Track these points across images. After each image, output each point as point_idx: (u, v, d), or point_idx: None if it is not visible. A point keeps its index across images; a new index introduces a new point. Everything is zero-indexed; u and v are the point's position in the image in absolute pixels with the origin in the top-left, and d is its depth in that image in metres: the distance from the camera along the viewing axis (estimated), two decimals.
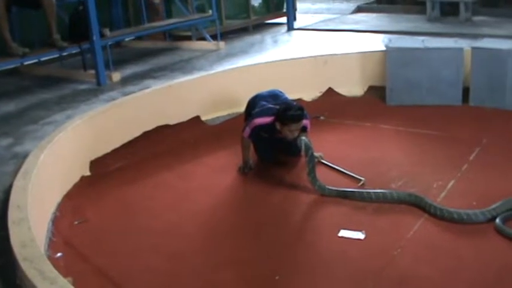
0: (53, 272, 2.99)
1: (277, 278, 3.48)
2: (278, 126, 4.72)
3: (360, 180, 4.68)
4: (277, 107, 4.80)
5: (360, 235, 3.89)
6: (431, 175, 4.77)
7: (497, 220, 3.91)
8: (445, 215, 4.03)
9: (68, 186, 4.78)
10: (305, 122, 4.80)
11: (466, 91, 6.55)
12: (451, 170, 4.84)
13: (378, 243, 3.83)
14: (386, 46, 6.87)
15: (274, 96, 5.19)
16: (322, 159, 5.07)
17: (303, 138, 4.46)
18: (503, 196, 4.22)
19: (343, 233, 3.93)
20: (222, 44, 9.96)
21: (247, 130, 4.90)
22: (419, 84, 6.61)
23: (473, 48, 6.54)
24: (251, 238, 3.99)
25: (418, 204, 4.21)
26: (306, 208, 4.45)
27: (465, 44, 6.72)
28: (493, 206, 4.04)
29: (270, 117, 4.79)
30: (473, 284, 3.36)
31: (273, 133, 4.84)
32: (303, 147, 4.42)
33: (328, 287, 3.40)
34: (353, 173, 4.80)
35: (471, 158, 5.09)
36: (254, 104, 5.19)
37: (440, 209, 4.07)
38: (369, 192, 4.41)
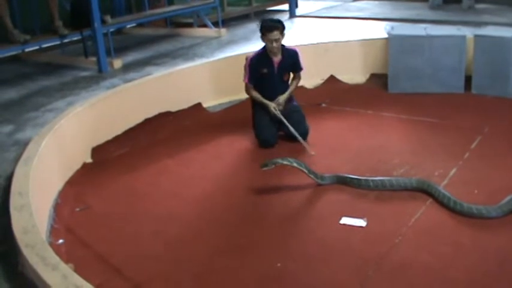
0: (55, 258, 3.00)
1: (278, 265, 3.48)
2: (262, 39, 5.28)
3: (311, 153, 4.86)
4: None
5: (361, 222, 3.89)
6: (433, 163, 4.76)
7: None
8: (458, 208, 3.98)
9: (69, 173, 4.79)
10: (294, 49, 5.43)
11: (468, 79, 6.54)
12: (453, 158, 4.83)
13: (379, 230, 3.83)
14: (388, 33, 6.85)
15: None
16: (276, 110, 5.27)
17: (279, 160, 4.48)
18: (505, 184, 4.22)
19: (345, 220, 3.93)
20: (223, 31, 9.94)
21: (244, 74, 5.39)
22: (422, 72, 6.60)
23: (476, 36, 6.52)
24: (252, 225, 3.99)
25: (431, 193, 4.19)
26: (307, 195, 4.44)
27: (468, 32, 6.68)
28: (504, 201, 3.99)
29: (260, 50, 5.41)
30: (473, 273, 3.36)
31: (268, 62, 5.32)
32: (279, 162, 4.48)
33: (329, 273, 3.40)
34: (306, 144, 5.04)
35: (473, 146, 5.08)
36: None
37: (454, 201, 4.01)
38: (383, 180, 4.39)
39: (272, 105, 5.25)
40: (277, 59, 5.32)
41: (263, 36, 5.26)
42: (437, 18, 10.40)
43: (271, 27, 5.18)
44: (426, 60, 6.57)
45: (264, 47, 5.33)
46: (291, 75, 5.53)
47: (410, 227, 3.84)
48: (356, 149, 5.17)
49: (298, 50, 5.49)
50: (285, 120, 5.14)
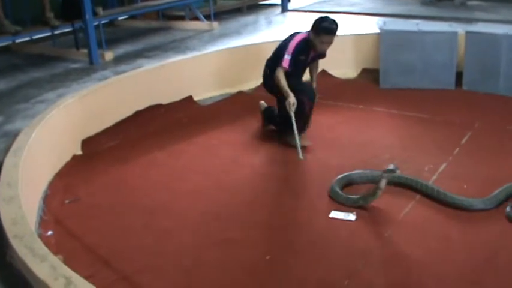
0: (43, 250, 2.99)
1: (267, 257, 3.48)
2: (311, 36, 4.97)
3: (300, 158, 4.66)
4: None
5: (351, 216, 3.90)
6: (423, 158, 4.78)
7: (508, 208, 3.90)
8: (449, 201, 4.01)
9: (59, 164, 4.77)
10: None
11: (459, 75, 6.56)
12: (443, 153, 4.85)
13: (368, 224, 3.84)
14: (380, 29, 6.86)
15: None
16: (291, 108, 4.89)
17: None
18: (494, 179, 4.24)
19: (334, 214, 3.94)
20: (215, 24, 9.92)
21: (287, 58, 4.96)
22: (413, 67, 6.62)
23: (468, 32, 6.54)
24: (241, 218, 3.98)
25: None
26: (298, 189, 4.45)
27: (459, 28, 6.70)
28: (493, 193, 4.03)
29: (305, 34, 5.08)
30: (462, 267, 3.38)
31: (308, 52, 5.07)
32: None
33: (319, 267, 3.41)
34: (300, 147, 4.71)
35: (463, 141, 5.10)
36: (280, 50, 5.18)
37: (444, 193, 4.05)
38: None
39: (291, 102, 4.86)
40: (314, 52, 5.13)
41: (317, 36, 4.95)
42: (430, 14, 10.42)
43: (332, 31, 4.96)
44: (418, 55, 6.58)
45: (308, 36, 5.03)
46: None
47: (400, 221, 3.85)
48: (347, 143, 5.18)
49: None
50: (293, 122, 4.86)
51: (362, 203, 4.02)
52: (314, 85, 5.30)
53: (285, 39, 5.19)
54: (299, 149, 4.68)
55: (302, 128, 5.07)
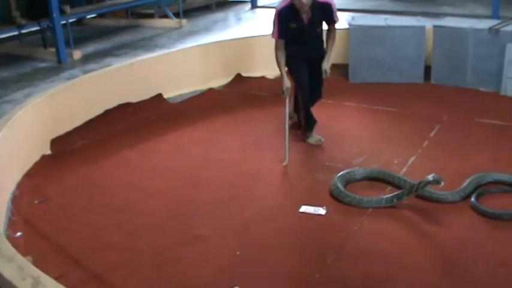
0: (11, 250, 2.95)
1: (238, 253, 3.49)
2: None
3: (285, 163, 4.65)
4: None
5: (321, 211, 3.91)
6: (393, 151, 4.82)
7: (472, 199, 3.97)
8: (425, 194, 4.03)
9: (28, 165, 4.72)
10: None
11: (427, 69, 6.62)
12: (412, 146, 4.90)
13: (338, 218, 3.86)
14: (349, 24, 6.90)
15: None
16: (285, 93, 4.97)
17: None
18: (462, 171, 4.29)
19: (305, 208, 3.95)
20: (184, 21, 9.91)
21: (273, 30, 4.89)
22: (382, 62, 6.67)
23: (435, 27, 6.61)
24: (212, 215, 3.98)
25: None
26: (267, 184, 4.46)
27: (427, 23, 6.77)
28: (462, 186, 4.09)
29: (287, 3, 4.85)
30: (432, 258, 3.42)
31: (297, 17, 4.81)
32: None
33: (290, 261, 3.42)
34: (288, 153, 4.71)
35: (431, 134, 5.16)
36: None
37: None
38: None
39: (284, 86, 4.91)
40: (306, 14, 4.82)
41: None
42: (398, 9, 10.51)
43: None
44: (387, 50, 6.63)
45: (290, 1, 4.81)
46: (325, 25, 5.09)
47: (369, 215, 3.88)
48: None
49: (332, 1, 4.97)
50: (287, 108, 4.94)
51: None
52: (325, 63, 4.99)
53: None
54: (287, 154, 4.69)
55: (305, 126, 5.10)
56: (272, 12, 5.05)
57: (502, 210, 3.84)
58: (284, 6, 4.87)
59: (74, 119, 5.47)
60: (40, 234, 3.79)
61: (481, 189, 4.12)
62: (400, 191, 4.00)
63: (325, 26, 5.06)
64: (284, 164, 4.65)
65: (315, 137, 5.08)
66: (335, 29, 5.08)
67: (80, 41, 8.55)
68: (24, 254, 3.11)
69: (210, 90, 6.56)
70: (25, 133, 4.79)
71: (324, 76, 5.00)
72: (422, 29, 6.58)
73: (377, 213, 3.90)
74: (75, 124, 5.46)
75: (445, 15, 8.52)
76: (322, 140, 5.06)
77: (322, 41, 5.08)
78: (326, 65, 4.99)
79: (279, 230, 3.77)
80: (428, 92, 6.39)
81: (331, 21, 5.02)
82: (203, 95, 6.45)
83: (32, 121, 4.93)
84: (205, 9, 11.46)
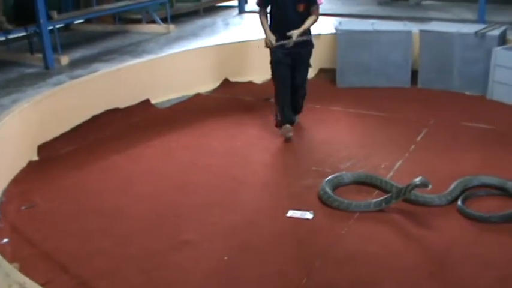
0: None
1: (225, 258, 3.49)
2: None
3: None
4: None
5: (308, 215, 3.92)
6: (380, 156, 4.84)
7: (459, 202, 3.98)
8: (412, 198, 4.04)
9: (15, 171, 4.70)
10: None
11: (414, 73, 6.65)
12: (399, 150, 4.92)
13: (325, 222, 3.87)
14: (336, 29, 6.92)
15: None
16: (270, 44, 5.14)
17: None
18: (449, 175, 4.30)
19: (292, 213, 3.96)
20: (172, 27, 9.90)
21: None
22: (369, 66, 6.69)
23: (422, 31, 6.64)
24: (200, 220, 3.97)
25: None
26: (255, 188, 4.46)
27: (414, 27, 6.81)
28: (449, 189, 4.11)
29: None
30: (419, 261, 3.43)
31: None
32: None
33: (277, 266, 3.42)
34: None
35: (418, 138, 5.18)
36: None
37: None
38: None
39: (268, 38, 5.11)
40: None
41: None
42: (385, 14, 10.56)
43: None
44: (373, 55, 6.66)
45: None
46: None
47: (356, 218, 3.89)
48: (304, 142, 5.21)
49: None
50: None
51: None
52: (297, 32, 5.07)
53: None
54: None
55: (281, 118, 5.20)
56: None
57: (489, 214, 3.85)
58: None
59: (61, 124, 5.45)
60: (27, 241, 3.77)
61: (467, 192, 4.14)
62: (389, 195, 4.01)
63: None
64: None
65: (286, 129, 5.18)
66: (317, 9, 5.27)
67: (67, 46, 8.52)
68: (10, 261, 3.10)
69: (198, 95, 6.56)
70: (12, 139, 4.76)
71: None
72: (409, 33, 6.62)
73: (364, 217, 3.91)
74: (62, 130, 5.44)
75: (431, 19, 8.58)
76: (290, 135, 5.16)
77: (304, 21, 5.18)
78: (295, 32, 5.06)
79: (266, 234, 3.77)
80: (415, 96, 6.42)
81: (312, 3, 5.20)
82: (191, 100, 6.44)
83: (19, 127, 4.91)
84: (193, 14, 11.46)
